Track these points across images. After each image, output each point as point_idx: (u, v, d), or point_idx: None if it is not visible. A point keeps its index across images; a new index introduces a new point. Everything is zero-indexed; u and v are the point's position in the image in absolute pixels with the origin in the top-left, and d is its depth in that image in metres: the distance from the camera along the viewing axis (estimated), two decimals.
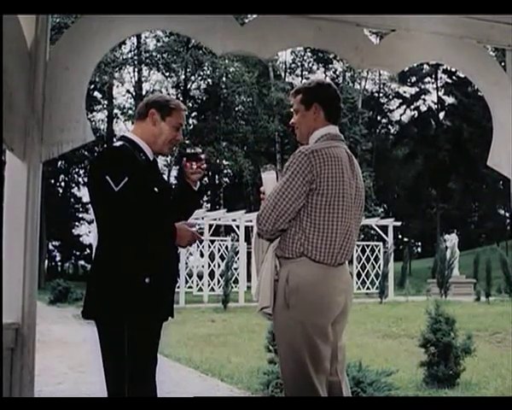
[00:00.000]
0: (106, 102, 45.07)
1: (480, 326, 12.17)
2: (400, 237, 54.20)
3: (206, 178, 49.57)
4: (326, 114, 3.21)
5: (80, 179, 51.48)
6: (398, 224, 26.39)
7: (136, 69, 44.25)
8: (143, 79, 44.45)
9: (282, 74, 49.58)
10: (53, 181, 47.94)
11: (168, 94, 45.06)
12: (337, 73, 51.79)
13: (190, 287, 24.22)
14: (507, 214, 51.22)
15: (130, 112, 42.09)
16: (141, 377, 3.17)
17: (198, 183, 3.42)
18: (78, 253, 55.06)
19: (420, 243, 65.99)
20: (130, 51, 43.27)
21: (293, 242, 3.04)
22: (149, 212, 3.01)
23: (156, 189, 3.13)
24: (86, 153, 46.34)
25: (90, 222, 45.97)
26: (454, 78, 51.28)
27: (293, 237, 3.05)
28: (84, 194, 51.45)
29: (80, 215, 51.27)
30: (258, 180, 37.13)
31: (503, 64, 3.67)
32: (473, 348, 6.89)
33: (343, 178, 3.04)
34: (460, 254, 27.15)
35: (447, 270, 24.19)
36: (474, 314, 15.15)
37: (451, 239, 27.00)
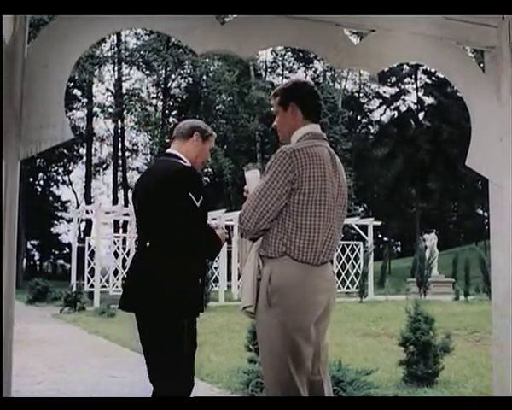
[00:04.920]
0: (85, 100, 44.82)
1: (458, 325, 12.27)
2: (380, 236, 54.46)
3: None
4: (304, 113, 3.22)
5: (59, 178, 51.18)
6: (378, 223, 26.50)
7: (115, 67, 44.05)
8: (123, 77, 44.22)
9: (263, 73, 49.63)
10: (31, 179, 47.55)
11: (148, 93, 44.95)
12: (317, 72, 51.99)
13: None
14: (485, 214, 51.62)
15: (109, 110, 41.90)
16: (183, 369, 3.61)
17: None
18: (56, 252, 54.73)
19: (399, 243, 66.37)
20: (110, 49, 43.12)
21: (276, 241, 3.04)
22: (206, 223, 3.55)
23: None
24: (65, 151, 46.07)
25: (68, 221, 45.71)
26: (433, 78, 51.66)
27: (275, 237, 3.05)
28: (63, 192, 51.32)
29: (59, 214, 50.94)
30: (238, 180, 37.15)
31: (481, 65, 3.69)
32: (451, 347, 6.94)
33: (325, 178, 3.04)
34: (439, 254, 27.36)
35: (426, 269, 24.37)
36: (453, 313, 15.27)
37: (431, 239, 27.19)
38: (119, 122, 43.79)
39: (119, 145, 46.34)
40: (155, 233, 3.45)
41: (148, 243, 3.46)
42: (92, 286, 21.63)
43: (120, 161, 46.66)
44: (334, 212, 3.10)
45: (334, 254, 3.19)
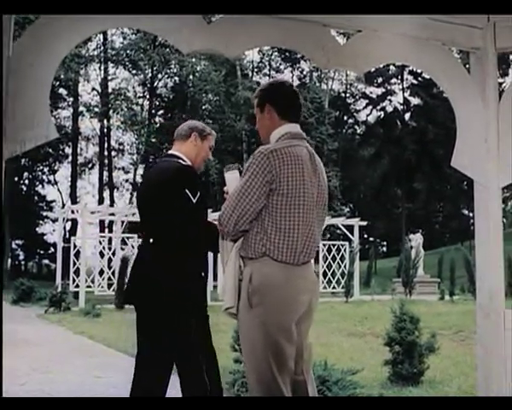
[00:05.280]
0: (71, 99, 44.57)
1: (443, 325, 12.32)
2: (366, 236, 54.62)
3: None
4: (279, 113, 3.21)
5: (44, 177, 50.89)
6: (364, 223, 26.58)
7: (102, 66, 43.86)
8: (109, 76, 44.05)
9: (250, 73, 49.62)
10: (16, 179, 47.21)
11: (134, 92, 44.82)
12: (304, 72, 52.05)
13: None
14: (471, 214, 51.91)
15: (95, 109, 41.73)
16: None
17: None
18: (42, 252, 54.38)
19: (385, 243, 66.57)
20: (97, 48, 42.93)
21: (256, 242, 3.03)
22: (206, 219, 3.72)
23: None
24: (51, 150, 45.79)
25: (54, 220, 45.48)
26: (420, 79, 51.83)
27: (255, 238, 3.04)
28: (48, 192, 51.04)
29: (44, 213, 50.61)
30: (221, 180, 37.12)
31: (467, 66, 3.71)
32: (437, 347, 6.97)
33: (303, 178, 3.03)
34: (425, 254, 27.49)
35: (412, 269, 24.47)
36: (439, 313, 15.34)
37: (416, 239, 27.32)
38: (105, 121, 43.63)
39: (105, 145, 46.13)
40: (156, 231, 3.59)
41: (151, 240, 3.60)
42: (77, 286, 21.52)
43: (106, 161, 46.47)
44: (313, 212, 3.09)
45: (315, 253, 3.18)
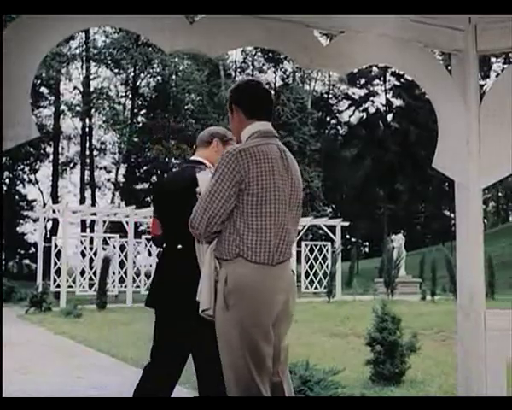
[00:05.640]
0: (52, 97, 44.27)
1: (425, 325, 12.39)
2: (348, 237, 54.74)
3: (154, 177, 49.24)
4: (245, 113, 3.19)
5: (26, 177, 50.48)
6: (346, 224, 26.67)
7: (84, 65, 43.63)
8: (91, 75, 43.82)
9: (233, 73, 49.64)
10: None
11: (116, 91, 44.64)
12: (287, 73, 52.08)
13: (138, 286, 24.01)
14: (452, 215, 52.25)
15: (77, 108, 41.51)
16: None
17: None
18: (22, 251, 53.92)
19: (367, 243, 66.83)
20: (79, 47, 42.71)
21: (229, 243, 3.00)
22: None
23: None
24: (32, 149, 45.44)
25: (35, 220, 45.11)
26: (402, 80, 52.14)
27: (228, 239, 3.01)
28: (29, 191, 50.59)
29: (25, 213, 50.19)
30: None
31: (449, 68, 3.73)
32: (418, 347, 7.00)
33: (273, 176, 3.00)
34: (406, 255, 27.66)
35: (394, 270, 24.60)
36: (420, 313, 15.43)
37: (398, 239, 27.48)
38: (87, 121, 43.43)
39: (87, 144, 45.88)
40: (184, 237, 3.50)
41: (179, 246, 3.67)
42: (58, 286, 21.40)
43: (88, 160, 46.21)
44: (286, 210, 3.06)
45: (291, 252, 3.13)
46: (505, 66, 39.55)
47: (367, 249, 65.40)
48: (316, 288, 25.42)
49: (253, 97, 3.23)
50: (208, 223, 3.00)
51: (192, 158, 3.99)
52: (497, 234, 49.25)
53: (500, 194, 66.41)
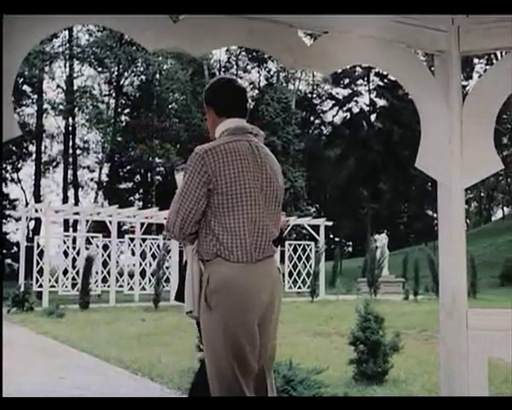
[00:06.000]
0: (35, 96, 43.96)
1: (408, 324, 12.45)
2: (331, 236, 54.94)
3: (138, 176, 49.11)
4: (216, 111, 3.21)
5: (8, 175, 50.08)
6: (330, 223, 26.74)
7: (67, 63, 43.38)
8: (75, 73, 43.56)
9: (217, 73, 49.51)
10: None
11: (100, 90, 44.44)
12: (271, 72, 52.13)
13: (121, 286, 23.93)
14: (435, 215, 52.54)
15: (60, 107, 41.24)
16: None
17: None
18: (4, 251, 53.51)
19: (351, 243, 67.05)
20: (62, 45, 42.42)
21: (207, 244, 3.00)
22: None
23: None
24: (14, 148, 45.09)
25: (17, 219, 44.77)
26: (386, 81, 52.38)
27: (205, 240, 3.01)
28: (11, 190, 50.22)
29: (7, 212, 49.83)
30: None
31: (432, 69, 3.75)
32: (401, 346, 7.04)
33: (242, 173, 2.98)
34: (389, 254, 27.78)
35: (377, 269, 24.71)
36: (403, 312, 15.51)
37: (381, 239, 27.59)
38: (70, 119, 43.20)
39: (70, 143, 45.63)
40: None
41: None
42: (41, 286, 21.28)
43: (71, 159, 45.95)
44: (260, 206, 3.03)
45: (271, 249, 3.08)
46: (487, 67, 39.85)
47: (350, 249, 65.63)
48: (299, 287, 25.44)
49: (223, 96, 3.24)
50: (182, 225, 3.00)
51: None
52: (480, 234, 49.67)
53: (482, 194, 66.91)
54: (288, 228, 4.14)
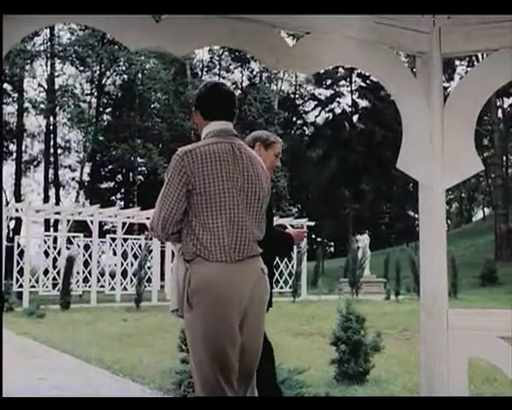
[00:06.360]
0: (16, 94, 43.60)
1: (389, 324, 12.50)
2: (314, 236, 55.04)
3: (119, 176, 48.89)
4: (202, 114, 3.28)
5: None
6: (312, 224, 26.78)
7: (48, 62, 43.07)
8: (56, 72, 43.25)
9: (199, 72, 49.52)
10: None
11: (82, 89, 44.18)
12: (254, 73, 52.18)
13: (102, 286, 23.81)
14: (416, 216, 52.82)
15: (41, 106, 40.95)
16: None
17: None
18: None
19: (333, 243, 67.22)
20: (43, 43, 42.12)
21: (188, 244, 3.06)
22: (273, 226, 4.09)
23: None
24: None
25: None
26: (368, 82, 52.56)
27: (186, 239, 3.07)
28: None
29: None
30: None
31: (414, 70, 3.77)
32: (382, 346, 7.06)
33: (221, 174, 3.04)
34: (371, 254, 27.89)
35: (359, 269, 24.77)
36: (384, 312, 15.57)
37: (363, 239, 27.69)
38: (52, 118, 42.89)
39: (51, 142, 45.33)
40: None
41: None
42: (21, 286, 21.13)
43: (52, 159, 45.65)
44: (238, 207, 3.07)
45: (253, 249, 3.11)
46: (469, 68, 40.14)
47: (332, 249, 65.81)
48: (281, 288, 25.47)
49: (209, 99, 3.30)
50: (164, 225, 3.07)
51: None
52: (461, 234, 50.06)
53: (463, 195, 67.42)
54: (304, 238, 4.47)
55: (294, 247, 4.98)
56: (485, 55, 3.84)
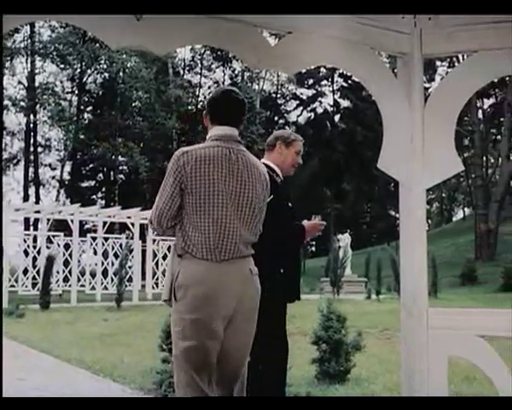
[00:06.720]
0: None
1: (370, 323, 12.53)
2: None
3: (100, 175, 48.65)
4: (210, 118, 3.37)
5: None
6: None
7: (28, 59, 42.74)
8: (36, 69, 42.93)
9: (181, 71, 49.38)
10: None
11: (62, 87, 43.89)
12: (236, 72, 52.12)
13: (83, 285, 23.65)
14: (397, 215, 53.09)
15: (21, 104, 40.63)
16: None
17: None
18: None
19: (314, 243, 67.29)
20: (23, 40, 41.78)
21: (179, 239, 3.19)
22: (286, 220, 4.30)
23: (289, 203, 4.52)
24: None
25: None
26: (349, 82, 52.78)
27: (177, 235, 3.21)
28: None
29: None
30: (155, 177, 36.76)
31: (395, 70, 3.79)
32: (363, 345, 7.08)
33: (213, 176, 3.14)
34: (352, 254, 27.92)
35: (340, 269, 24.78)
36: (365, 312, 15.60)
37: (344, 239, 27.74)
38: (32, 116, 42.56)
39: (31, 140, 45.02)
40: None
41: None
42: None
43: (32, 157, 45.33)
44: (227, 209, 3.15)
45: (239, 251, 3.17)
46: (450, 69, 40.42)
47: (313, 248, 65.89)
48: None
49: (217, 104, 3.39)
50: (159, 219, 3.22)
51: (264, 162, 4.22)
52: (441, 234, 50.40)
53: (444, 195, 67.86)
54: (320, 231, 4.50)
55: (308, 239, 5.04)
56: (465, 56, 3.86)
